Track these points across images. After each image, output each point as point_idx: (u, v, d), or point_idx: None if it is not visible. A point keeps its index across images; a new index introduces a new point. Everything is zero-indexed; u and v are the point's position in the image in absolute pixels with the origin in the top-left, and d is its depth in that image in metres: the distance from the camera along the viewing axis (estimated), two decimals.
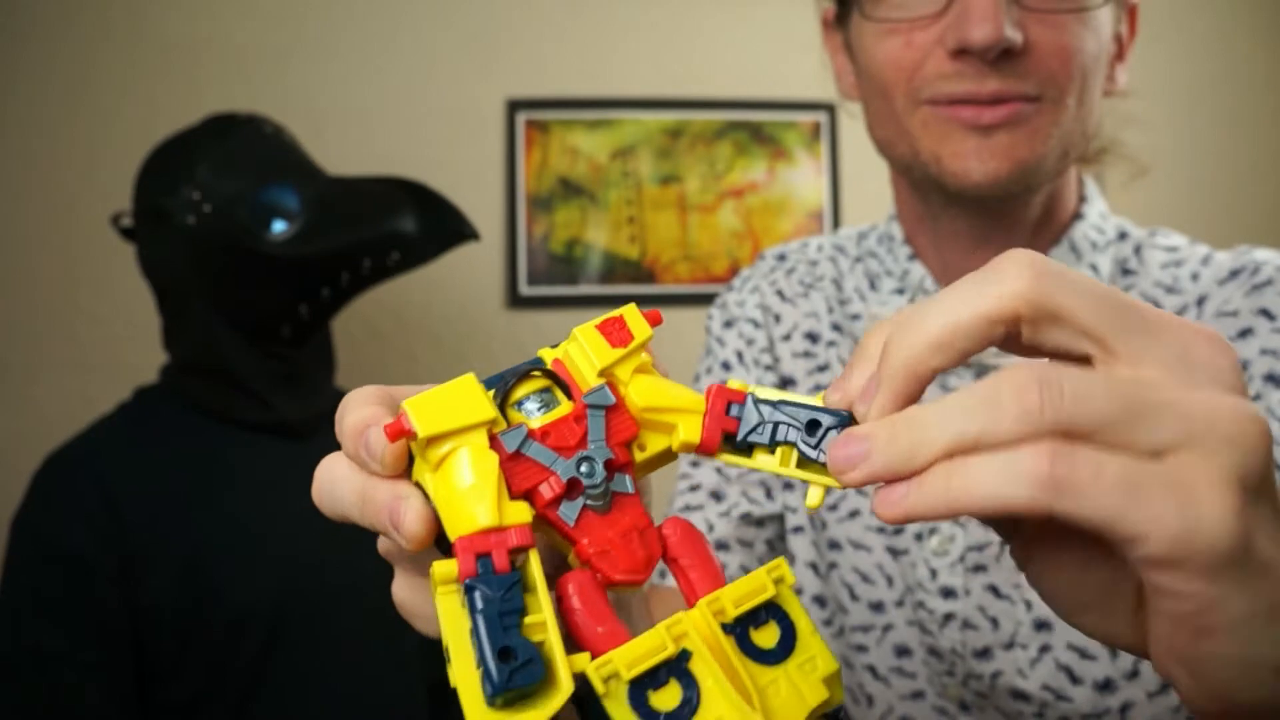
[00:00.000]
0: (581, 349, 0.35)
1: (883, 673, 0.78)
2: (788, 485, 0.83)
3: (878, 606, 0.78)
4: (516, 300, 1.82)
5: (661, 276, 1.86)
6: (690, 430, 0.35)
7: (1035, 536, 0.34)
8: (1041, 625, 0.71)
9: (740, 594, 0.33)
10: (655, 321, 0.36)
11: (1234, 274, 0.72)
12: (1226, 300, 0.71)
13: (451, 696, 1.21)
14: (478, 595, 0.30)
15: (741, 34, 1.89)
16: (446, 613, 0.31)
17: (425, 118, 1.82)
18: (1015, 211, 0.73)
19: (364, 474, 0.34)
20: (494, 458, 0.33)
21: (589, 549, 0.33)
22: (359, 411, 0.34)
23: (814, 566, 0.82)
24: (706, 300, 1.86)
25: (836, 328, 0.83)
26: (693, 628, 0.32)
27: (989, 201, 0.71)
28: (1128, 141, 0.81)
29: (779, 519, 0.84)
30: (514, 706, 0.29)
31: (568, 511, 0.33)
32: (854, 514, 0.79)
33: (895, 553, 0.77)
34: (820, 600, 0.82)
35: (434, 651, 1.44)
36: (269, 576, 1.16)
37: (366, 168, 1.67)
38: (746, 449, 0.35)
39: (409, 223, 1.30)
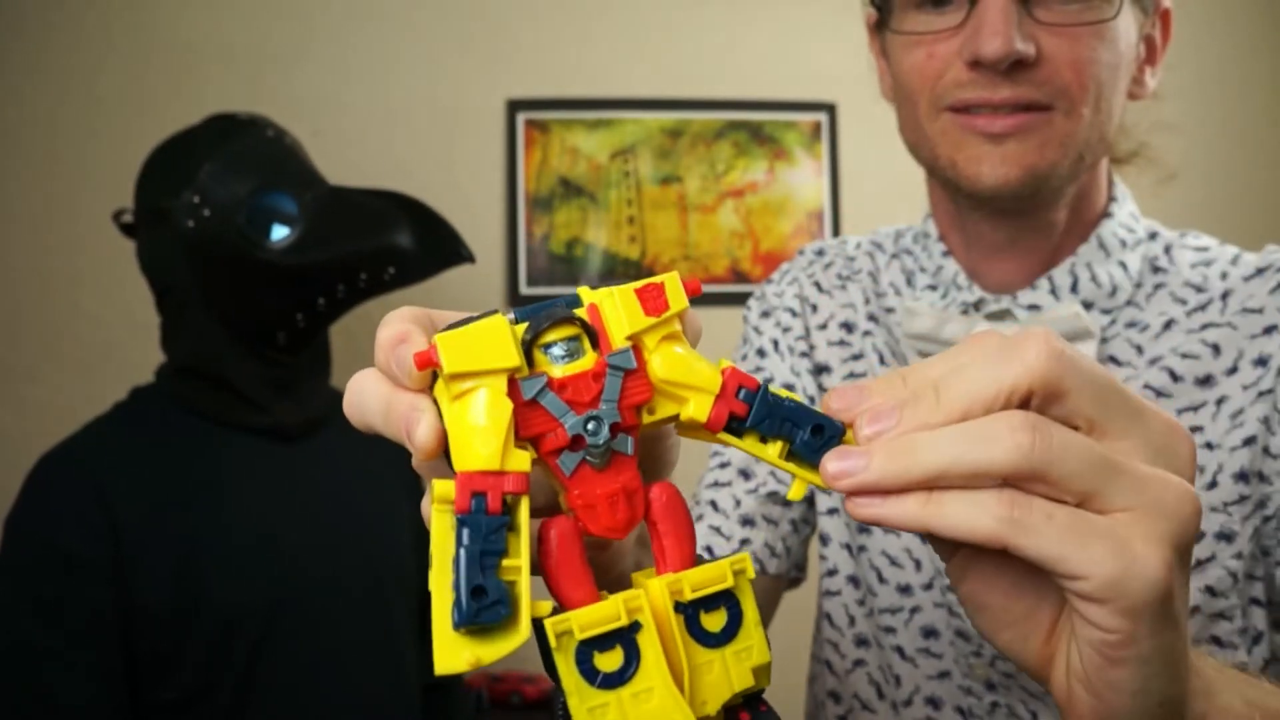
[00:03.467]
0: (615, 309, 0.37)
1: (910, 653, 0.79)
2: None
3: (905, 589, 0.79)
4: (517, 300, 1.83)
5: None
6: (700, 409, 0.37)
7: (973, 560, 0.38)
8: None
9: (700, 580, 0.36)
10: (694, 293, 0.38)
11: (1259, 271, 0.74)
12: (1250, 296, 0.73)
13: (444, 693, 1.20)
14: (466, 533, 0.33)
15: (741, 34, 1.91)
16: (438, 528, 0.34)
17: (425, 118, 1.82)
18: (1041, 216, 0.76)
19: (390, 385, 0.36)
20: (508, 406, 0.34)
21: (577, 500, 0.36)
22: (395, 326, 0.36)
23: (847, 547, 0.83)
24: (707, 300, 1.86)
25: (872, 318, 0.86)
26: (648, 601, 0.36)
27: (1004, 203, 0.74)
28: (1158, 146, 0.83)
29: (806, 501, 0.86)
30: (475, 637, 0.33)
31: (567, 461, 0.36)
32: None
33: (924, 537, 0.78)
34: (854, 580, 0.83)
35: (427, 653, 1.42)
36: (261, 577, 1.15)
37: (367, 168, 1.67)
38: (739, 433, 0.38)
39: (406, 239, 1.30)
